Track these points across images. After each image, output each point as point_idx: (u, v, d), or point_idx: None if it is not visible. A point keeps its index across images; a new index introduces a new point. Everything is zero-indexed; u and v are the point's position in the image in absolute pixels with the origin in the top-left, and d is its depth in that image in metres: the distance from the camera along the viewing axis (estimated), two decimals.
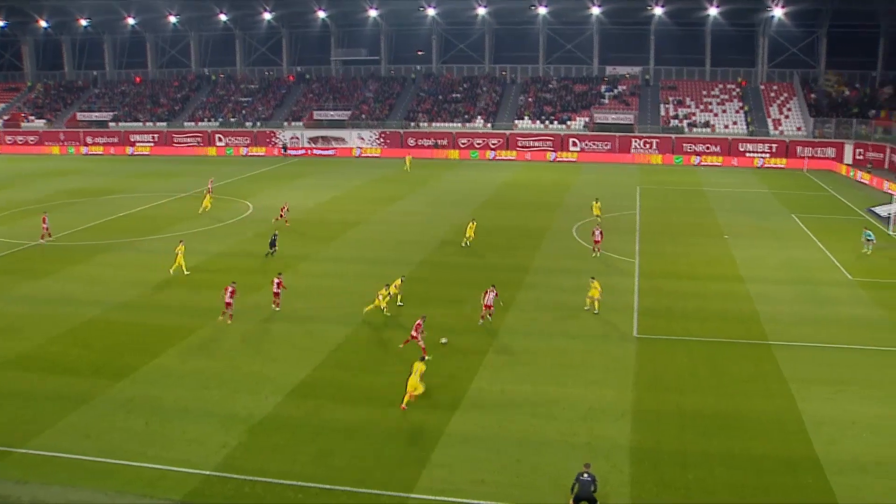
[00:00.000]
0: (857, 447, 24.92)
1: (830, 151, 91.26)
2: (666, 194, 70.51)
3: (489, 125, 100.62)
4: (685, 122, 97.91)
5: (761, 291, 41.02)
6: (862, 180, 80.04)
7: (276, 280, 38.01)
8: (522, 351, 32.62)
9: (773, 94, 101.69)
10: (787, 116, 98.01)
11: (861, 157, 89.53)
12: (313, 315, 37.00)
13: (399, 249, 49.26)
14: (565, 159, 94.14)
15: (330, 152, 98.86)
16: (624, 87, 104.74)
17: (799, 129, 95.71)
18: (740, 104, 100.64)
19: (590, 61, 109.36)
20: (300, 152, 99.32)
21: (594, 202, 55.34)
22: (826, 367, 31.22)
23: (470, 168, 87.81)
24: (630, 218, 59.23)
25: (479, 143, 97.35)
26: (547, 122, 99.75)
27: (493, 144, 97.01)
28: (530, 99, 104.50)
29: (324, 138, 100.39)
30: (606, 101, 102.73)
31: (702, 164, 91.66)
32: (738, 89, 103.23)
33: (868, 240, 49.16)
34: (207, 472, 23.25)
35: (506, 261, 46.64)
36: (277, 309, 37.63)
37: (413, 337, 32.07)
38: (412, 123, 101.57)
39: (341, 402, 27.82)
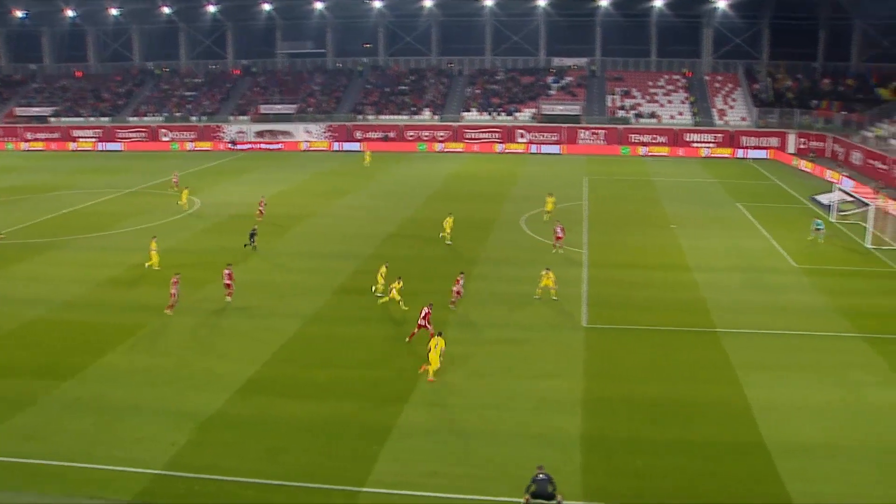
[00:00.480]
0: (802, 431, 25.46)
1: (774, 141, 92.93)
2: (613, 185, 71.22)
3: (437, 117, 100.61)
4: (632, 112, 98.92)
5: (708, 280, 41.68)
6: (805, 169, 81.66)
7: (226, 271, 37.83)
8: (473, 342, 32.73)
9: (717, 85, 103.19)
10: (731, 107, 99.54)
11: (804, 147, 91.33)
12: (263, 310, 36.73)
13: (348, 243, 49.11)
14: (513, 150, 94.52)
15: (277, 146, 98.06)
16: (571, 79, 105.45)
17: (743, 119, 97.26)
18: (686, 95, 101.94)
19: (536, 53, 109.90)
20: (247, 147, 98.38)
21: (548, 196, 55.42)
22: (772, 354, 31.83)
23: (418, 160, 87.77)
24: (578, 209, 59.71)
25: (426, 136, 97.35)
26: (494, 113, 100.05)
27: (441, 136, 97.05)
28: (477, 91, 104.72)
29: (271, 132, 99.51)
30: (553, 92, 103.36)
31: (648, 154, 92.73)
32: (683, 80, 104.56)
33: (818, 229, 50.21)
34: (157, 472, 22.96)
35: (453, 252, 46.74)
36: (230, 300, 37.47)
37: (421, 326, 32.15)
38: (360, 116, 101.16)
39: (292, 398, 27.68)
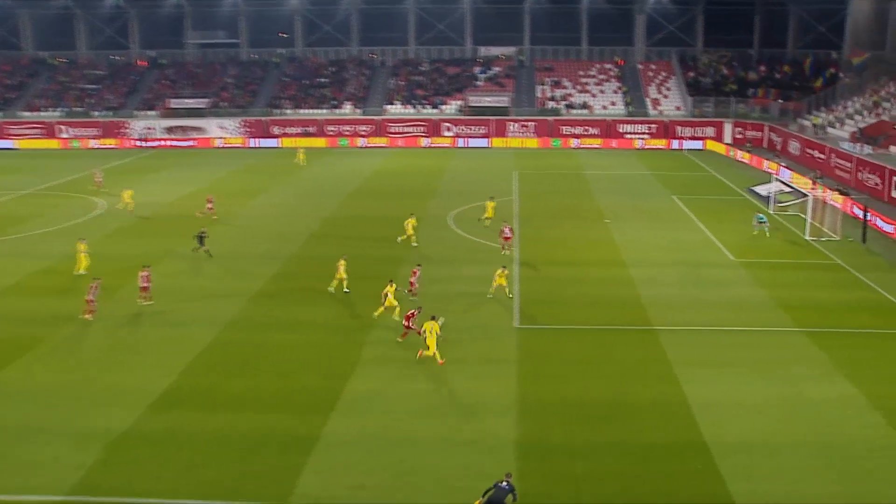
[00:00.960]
0: (743, 429, 26.10)
1: (710, 131, 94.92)
2: (544, 179, 72.00)
3: (359, 111, 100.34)
4: (562, 103, 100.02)
5: (644, 275, 42.46)
6: (742, 160, 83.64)
7: (142, 274, 37.53)
8: (400, 345, 32.78)
9: (651, 74, 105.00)
10: (665, 96, 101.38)
11: (740, 137, 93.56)
12: (177, 317, 36.21)
13: (266, 244, 48.72)
14: (439, 145, 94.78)
15: (189, 143, 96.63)
16: (499, 69, 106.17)
17: (678, 108, 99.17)
18: (618, 84, 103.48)
19: (463, 42, 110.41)
20: (156, 144, 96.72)
21: (488, 201, 54.69)
22: (710, 350, 32.57)
23: (339, 156, 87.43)
24: (508, 204, 60.21)
25: (348, 131, 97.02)
26: (419, 106, 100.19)
27: (364, 131, 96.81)
28: (401, 82, 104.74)
29: (182, 128, 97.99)
30: (481, 83, 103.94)
31: (580, 146, 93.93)
32: (615, 69, 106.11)
33: (761, 222, 51.56)
34: (62, 497, 22.44)
35: (379, 252, 46.74)
36: (147, 303, 37.19)
37: (407, 328, 32.55)
38: (277, 111, 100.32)
39: (209, 410, 27.34)
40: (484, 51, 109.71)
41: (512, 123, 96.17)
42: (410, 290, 37.94)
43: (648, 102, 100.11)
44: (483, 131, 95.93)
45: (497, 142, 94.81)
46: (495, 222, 51.76)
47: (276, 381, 29.49)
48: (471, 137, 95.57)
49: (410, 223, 48.78)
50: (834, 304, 38.34)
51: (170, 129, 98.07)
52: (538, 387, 29.10)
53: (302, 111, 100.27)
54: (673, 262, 45.12)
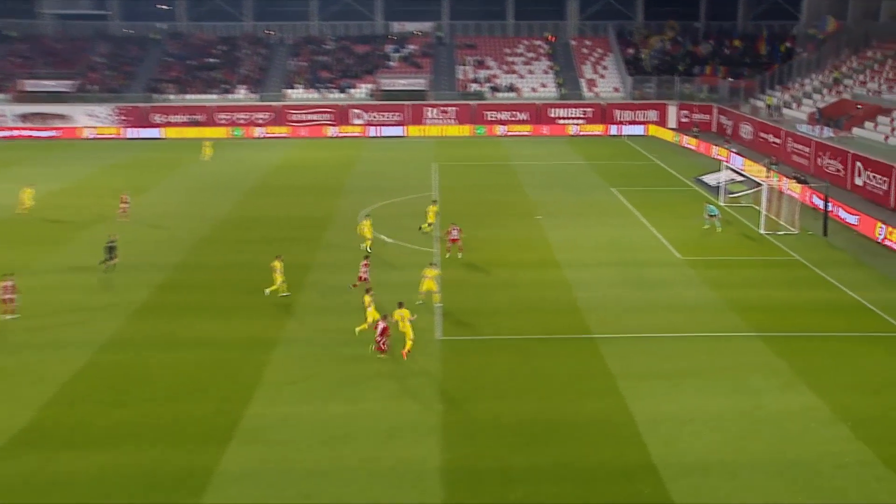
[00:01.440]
0: (697, 447, 26.52)
1: (653, 114, 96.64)
2: (468, 171, 72.37)
3: (255, 96, 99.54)
4: (487, 85, 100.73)
5: (581, 278, 42.99)
6: (688, 146, 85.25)
7: (5, 284, 37.02)
8: (305, 364, 32.59)
9: (585, 51, 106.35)
10: (602, 76, 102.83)
11: (686, 120, 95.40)
12: (40, 338, 35.38)
13: (148, 251, 47.99)
14: (348, 134, 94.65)
15: (51, 133, 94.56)
16: (414, 47, 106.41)
17: (616, 90, 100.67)
18: (549, 63, 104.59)
19: (372, 16, 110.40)
20: (7, 134, 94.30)
21: (431, 206, 53.78)
22: (658, 360, 33.05)
23: (233, 148, 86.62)
24: (427, 200, 60.31)
25: (242, 119, 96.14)
26: (324, 90, 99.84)
27: (261, 119, 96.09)
28: (303, 63, 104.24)
29: (41, 115, 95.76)
30: (394, 63, 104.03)
31: (508, 134, 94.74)
32: (546, 46, 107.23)
33: (712, 215, 52.64)
34: None
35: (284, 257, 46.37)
36: (11, 317, 36.75)
37: (379, 343, 32.89)
38: (158, 96, 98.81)
39: (80, 448, 26.67)
40: (397, 27, 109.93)
41: (430, 109, 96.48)
42: (360, 284, 39.54)
43: (583, 84, 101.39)
44: (398, 118, 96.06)
45: (414, 130, 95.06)
46: (443, 224, 52.03)
47: (163, 409, 29.00)
48: (384, 125, 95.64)
49: (366, 225, 48.46)
50: (793, 306, 39.29)
51: (25, 117, 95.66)
52: (465, 405, 29.18)
53: (188, 97, 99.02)
54: (613, 262, 45.76)
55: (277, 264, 40.13)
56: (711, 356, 33.45)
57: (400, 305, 33.53)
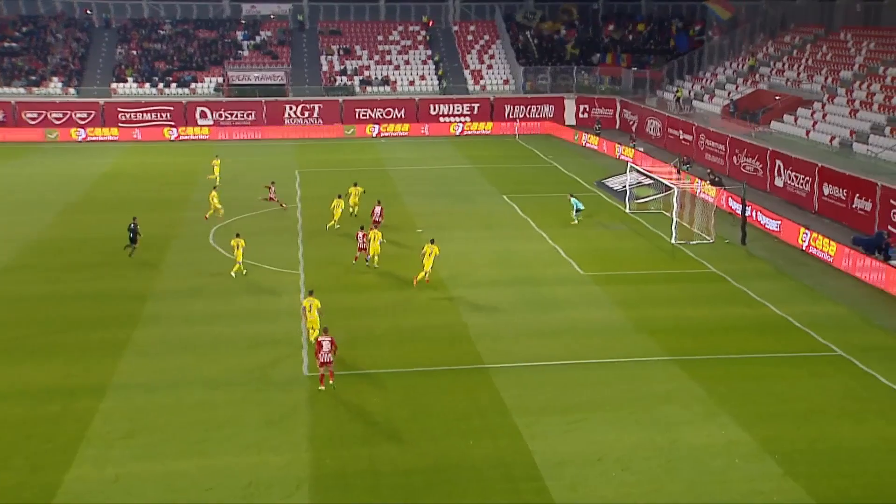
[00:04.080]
0: (606, 490, 26.78)
1: (548, 110, 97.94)
2: (336, 178, 71.99)
3: (72, 90, 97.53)
4: (356, 79, 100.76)
5: (470, 299, 43.30)
6: (590, 145, 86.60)
7: None
8: (145, 411, 31.92)
9: (470, 38, 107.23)
10: (489, 66, 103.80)
11: (587, 116, 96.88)
12: None
13: None
14: (192, 137, 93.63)
15: None
16: (269, 34, 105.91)
17: (506, 82, 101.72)
18: (428, 53, 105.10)
19: None
20: None
21: (351, 188, 55.59)
22: (560, 391, 33.33)
23: (46, 155, 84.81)
24: (289, 214, 59.98)
25: (58, 118, 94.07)
26: (161, 84, 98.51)
27: (82, 119, 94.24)
28: (133, 51, 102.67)
29: None
30: (246, 52, 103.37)
31: (382, 134, 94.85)
32: (424, 32, 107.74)
33: (578, 210, 54.69)
34: None
35: (112, 285, 45.66)
36: None
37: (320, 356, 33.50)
38: None
39: None
40: (248, 8, 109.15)
41: (290, 107, 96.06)
42: (356, 258, 47.83)
43: (468, 75, 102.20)
44: (252, 118, 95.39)
45: (271, 131, 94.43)
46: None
47: None
48: (235, 126, 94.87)
49: (339, 206, 55.48)
50: (711, 325, 40.19)
51: None
52: (338, 453, 28.98)
53: None
54: (507, 281, 46.15)
55: (239, 241, 46.01)
56: (620, 385, 33.90)
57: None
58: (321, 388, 33.37)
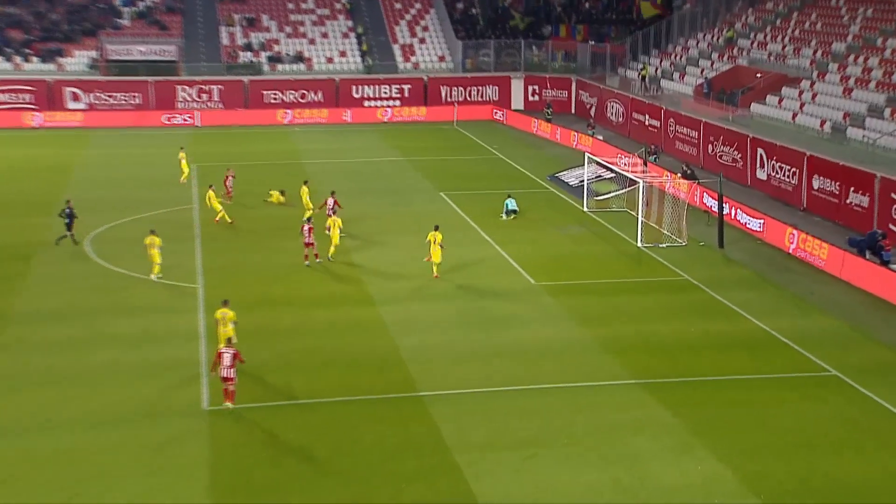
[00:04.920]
0: None
1: (492, 92, 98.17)
2: (241, 173, 71.70)
3: None
4: (264, 55, 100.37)
5: (401, 315, 43.31)
6: (541, 133, 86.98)
7: None
8: (2, 461, 31.48)
9: (399, 7, 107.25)
10: (422, 40, 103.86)
11: (536, 99, 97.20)
12: None
13: None
14: (61, 123, 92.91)
15: None
16: (156, 0, 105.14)
17: (442, 59, 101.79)
18: (349, 24, 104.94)
19: None
20: None
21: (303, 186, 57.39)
22: (508, 422, 33.32)
23: None
24: (184, 216, 59.58)
25: None
26: (18, 58, 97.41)
27: None
28: None
29: None
30: (127, 21, 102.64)
31: (295, 121, 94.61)
32: (344, 1, 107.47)
33: (512, 210, 56.54)
34: None
35: None
36: None
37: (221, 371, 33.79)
38: None
39: None
40: None
41: (183, 88, 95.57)
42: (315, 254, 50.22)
43: (397, 51, 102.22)
44: (136, 101, 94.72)
45: (161, 117, 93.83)
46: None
47: None
48: (116, 111, 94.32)
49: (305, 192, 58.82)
50: (684, 342, 40.51)
51: None
52: (244, 498, 28.88)
53: None
54: (444, 293, 46.26)
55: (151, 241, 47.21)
56: (579, 415, 33.95)
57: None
58: (229, 406, 33.61)
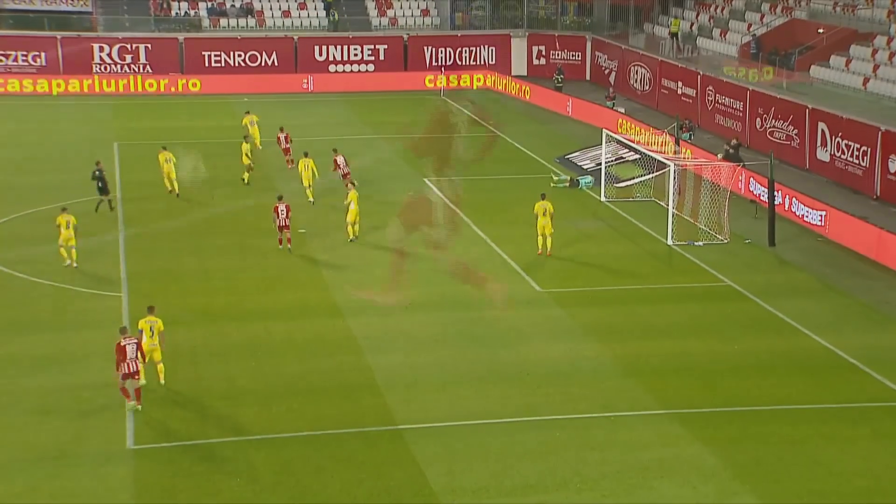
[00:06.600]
0: None
1: (487, 54, 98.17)
2: (174, 154, 71.84)
3: None
4: (203, 6, 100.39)
5: (376, 330, 43.36)
6: (548, 105, 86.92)
7: None
8: None
9: None
10: None
11: (543, 63, 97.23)
12: None
13: None
14: None
15: None
16: None
17: (426, 13, 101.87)
18: None
19: None
20: None
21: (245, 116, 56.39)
22: (507, 464, 33.35)
23: None
24: (103, 207, 59.59)
25: None
26: None
27: None
28: None
29: None
30: None
31: (243, 89, 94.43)
32: None
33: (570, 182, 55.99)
34: None
35: None
36: None
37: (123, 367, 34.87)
38: None
39: None
40: None
41: (102, 47, 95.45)
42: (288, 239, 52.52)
43: (370, 4, 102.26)
44: (39, 64, 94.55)
45: (72, 84, 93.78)
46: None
47: None
48: (12, 74, 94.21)
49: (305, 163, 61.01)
50: (723, 364, 40.51)
51: None
52: None
53: None
54: (429, 302, 46.14)
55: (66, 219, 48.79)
56: (594, 452, 33.98)
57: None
58: (134, 404, 34.45)
